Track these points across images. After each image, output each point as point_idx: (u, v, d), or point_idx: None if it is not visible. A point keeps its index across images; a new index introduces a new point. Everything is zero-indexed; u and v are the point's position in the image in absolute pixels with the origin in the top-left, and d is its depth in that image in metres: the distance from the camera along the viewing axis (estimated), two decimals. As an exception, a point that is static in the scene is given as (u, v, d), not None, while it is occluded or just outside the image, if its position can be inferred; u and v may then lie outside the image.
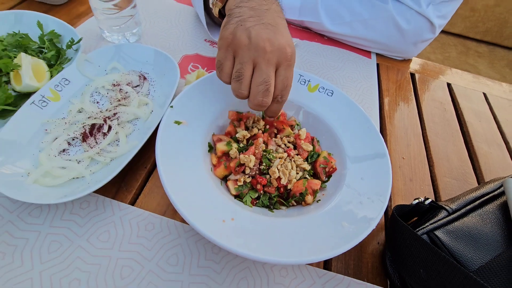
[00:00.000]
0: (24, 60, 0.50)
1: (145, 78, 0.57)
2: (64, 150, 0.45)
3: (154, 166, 0.49)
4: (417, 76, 0.80)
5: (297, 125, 0.53)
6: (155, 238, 0.41)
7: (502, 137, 0.69)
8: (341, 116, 0.51)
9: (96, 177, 0.43)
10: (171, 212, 0.44)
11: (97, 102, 0.52)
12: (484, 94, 0.79)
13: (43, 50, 0.56)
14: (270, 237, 0.36)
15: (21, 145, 0.43)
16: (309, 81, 0.55)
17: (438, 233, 0.41)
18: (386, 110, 0.69)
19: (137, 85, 0.56)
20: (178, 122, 0.44)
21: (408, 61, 0.84)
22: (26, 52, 0.53)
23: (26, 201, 0.37)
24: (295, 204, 0.44)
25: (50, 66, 0.54)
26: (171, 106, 0.45)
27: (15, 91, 0.49)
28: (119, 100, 0.52)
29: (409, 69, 0.82)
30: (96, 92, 0.54)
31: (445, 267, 0.35)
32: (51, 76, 0.52)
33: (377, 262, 0.44)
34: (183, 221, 0.43)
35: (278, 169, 0.43)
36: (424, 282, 0.36)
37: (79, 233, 0.40)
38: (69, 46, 0.55)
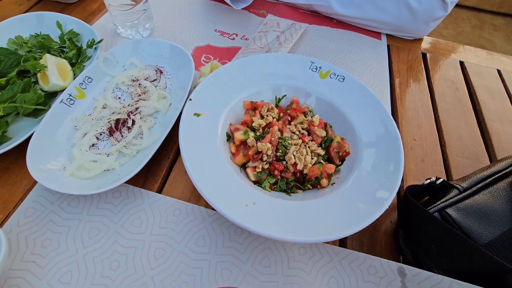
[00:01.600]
0: (49, 60, 0.52)
1: (161, 72, 0.59)
2: (93, 145, 0.49)
3: (176, 157, 0.52)
4: (428, 55, 0.80)
5: (310, 111, 0.55)
6: (182, 222, 0.44)
7: (516, 114, 0.68)
8: (353, 101, 0.53)
9: (125, 169, 0.46)
10: (195, 198, 0.47)
11: (119, 98, 0.55)
12: (498, 71, 0.78)
13: (64, 49, 0.59)
14: (289, 219, 0.39)
15: (55, 142, 0.47)
16: (320, 67, 0.56)
17: (449, 210, 0.43)
18: (397, 92, 0.69)
19: (155, 79, 0.59)
20: (197, 114, 0.46)
21: (419, 40, 0.83)
22: (49, 52, 0.56)
23: (67, 193, 0.41)
24: (311, 187, 0.46)
25: (72, 65, 0.56)
26: (190, 99, 0.47)
27: (43, 91, 0.53)
28: (139, 95, 0.55)
29: (421, 49, 0.81)
30: (117, 88, 0.56)
31: (454, 241, 0.37)
32: (74, 75, 0.55)
33: (390, 239, 0.47)
34: (207, 206, 0.46)
35: (294, 155, 0.45)
36: (436, 256, 0.39)
37: (114, 220, 0.44)
38: (89, 46, 0.58)
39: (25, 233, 0.41)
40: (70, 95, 0.51)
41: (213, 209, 0.44)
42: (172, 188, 0.48)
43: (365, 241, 0.46)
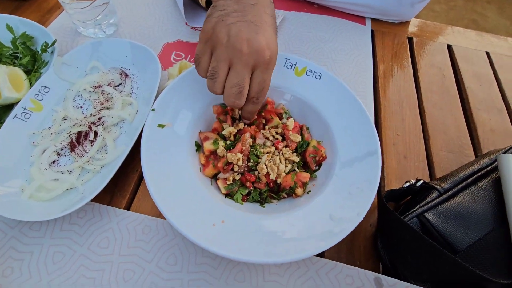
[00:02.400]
0: (0, 70, 0.48)
1: (126, 75, 0.55)
2: (54, 162, 0.46)
3: (145, 168, 0.49)
4: (415, 40, 0.75)
5: (285, 113, 0.51)
6: (153, 240, 0.43)
7: (504, 100, 0.66)
8: (330, 100, 0.49)
9: (89, 186, 0.44)
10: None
11: (81, 107, 0.52)
12: (487, 54, 0.75)
13: (18, 55, 0.54)
14: (261, 237, 0.37)
15: (11, 161, 0.44)
16: (295, 64, 0.52)
17: (428, 215, 0.41)
18: (380, 82, 0.66)
19: (119, 84, 0.55)
20: (161, 126, 0.43)
21: (405, 24, 0.79)
22: (0, 60, 0.51)
23: (26, 220, 0.38)
24: (286, 196, 0.44)
25: (27, 72, 0.52)
26: (153, 109, 0.44)
27: (-4, 105, 0.49)
28: (102, 103, 0.51)
29: (407, 33, 0.77)
30: (79, 96, 0.53)
31: (431, 253, 0.36)
32: (30, 84, 0.51)
33: (369, 244, 0.45)
34: (178, 221, 0.44)
35: (266, 165, 0.43)
36: (413, 268, 0.38)
37: (80, 242, 0.42)
38: (44, 50, 0.53)
39: (-16, 263, 0.39)
40: (25, 108, 0.47)
41: (183, 225, 0.42)
42: (141, 204, 0.46)
43: (343, 247, 0.45)
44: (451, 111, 0.63)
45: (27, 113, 0.47)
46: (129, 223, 0.44)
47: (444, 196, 0.43)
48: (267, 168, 0.43)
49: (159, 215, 0.45)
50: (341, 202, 0.40)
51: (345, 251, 0.44)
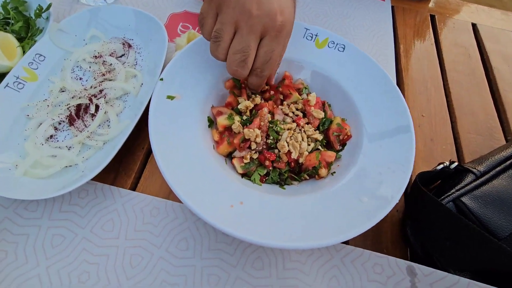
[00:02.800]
0: (-11, 35, 0.43)
1: (130, 46, 0.50)
2: (51, 136, 0.41)
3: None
4: (437, 17, 0.71)
5: (305, 88, 0.47)
6: (162, 223, 0.39)
7: (533, 82, 0.62)
8: (355, 74, 0.45)
9: (91, 164, 0.40)
10: (175, 194, 0.41)
11: (80, 79, 0.47)
12: (514, 34, 0.70)
13: (9, 21, 0.49)
14: (283, 220, 0.33)
15: (3, 135, 0.39)
16: (316, 35, 0.48)
17: (465, 199, 0.37)
18: (403, 61, 0.61)
19: (122, 55, 0.50)
20: (171, 97, 0.39)
21: (426, 0, 0.74)
22: (-11, 25, 0.46)
23: (20, 198, 0.34)
24: (307, 178, 0.40)
25: (20, 40, 0.47)
26: (161, 79, 0.39)
27: (-15, 73, 0.44)
28: (104, 74, 0.46)
29: (429, 10, 0.72)
30: (77, 66, 0.48)
31: (474, 239, 0.32)
32: (24, 52, 0.46)
33: (396, 230, 0.42)
34: (189, 203, 0.40)
35: (287, 142, 0.39)
36: (451, 254, 0.34)
37: (81, 225, 0.38)
38: (38, 15, 0.48)
39: (-25, 245, 0.35)
40: (18, 77, 0.42)
41: (195, 207, 0.38)
42: (148, 184, 0.42)
43: (368, 233, 0.41)
44: (478, 93, 0.59)
45: (20, 83, 0.42)
46: (135, 204, 0.40)
47: (481, 179, 0.39)
48: (288, 145, 0.38)
49: (168, 196, 0.41)
50: (371, 184, 0.36)
51: (371, 238, 0.41)
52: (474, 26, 0.71)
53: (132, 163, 0.43)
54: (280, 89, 0.45)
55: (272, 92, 0.45)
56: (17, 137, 0.40)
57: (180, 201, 0.40)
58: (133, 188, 0.41)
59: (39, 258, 0.35)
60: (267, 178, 0.39)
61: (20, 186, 0.36)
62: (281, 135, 0.39)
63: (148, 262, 0.36)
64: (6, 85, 0.41)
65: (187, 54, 0.42)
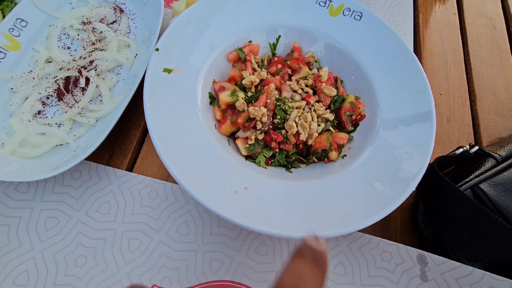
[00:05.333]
0: (-39, -4, 0.38)
1: (122, 11, 0.45)
2: (39, 112, 0.38)
3: (149, 124, 0.42)
4: (462, -17, 0.64)
5: (316, 62, 0.43)
6: (161, 206, 0.37)
7: (561, 58, 0.57)
8: (373, 47, 0.41)
9: (83, 142, 0.37)
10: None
11: (68, 48, 0.42)
12: (545, 3, 0.64)
13: (-15, -21, 0.44)
14: (290, 207, 0.31)
15: (-15, 110, 0.36)
16: (330, 1, 0.42)
17: (484, 186, 0.35)
18: (421, 33, 0.56)
19: (114, 21, 0.45)
20: (168, 70, 0.35)
21: (452, -38, 0.66)
22: (-39, -16, 0.41)
23: (8, 180, 0.32)
24: (316, 161, 0.38)
25: (-2, 2, 0.42)
26: (157, 49, 0.35)
27: (-39, 41, 0.40)
28: (94, 43, 0.42)
29: (453, -26, 0.65)
30: (64, 34, 0.43)
31: (492, 228, 0.30)
32: (3, 17, 0.41)
33: (406, 216, 0.40)
34: (189, 186, 0.38)
35: (295, 122, 0.35)
36: (467, 245, 0.32)
37: (76, 207, 0.36)
38: (15, -28, 0.42)
39: (-36, 228, 0.34)
40: (-2, 45, 0.38)
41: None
42: (145, 164, 0.39)
43: (377, 219, 0.39)
44: (502, 69, 0.54)
45: (1, 51, 0.38)
46: (132, 186, 0.37)
47: (502, 165, 0.37)
48: (297, 126, 0.35)
49: (167, 178, 0.38)
50: (386, 169, 0.34)
51: (379, 224, 0.39)
52: (502, -7, 0.64)
53: (128, 142, 0.40)
54: (289, 62, 0.41)
55: (279, 66, 0.41)
56: (1, 113, 0.37)
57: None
58: (130, 168, 0.39)
59: (33, 241, 0.34)
60: (273, 160, 0.36)
61: (7, 166, 0.34)
62: (289, 115, 0.36)
63: (147, 246, 0.35)
64: (-15, 54, 0.37)
65: (186, 21, 0.38)
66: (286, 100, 0.37)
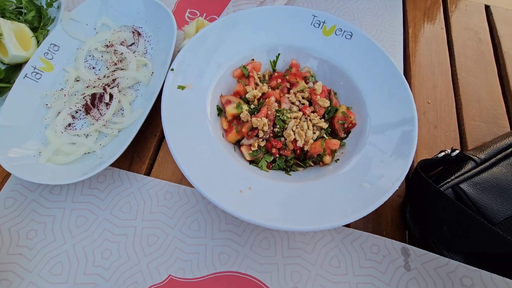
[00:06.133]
0: (4, 26, 0.45)
1: (139, 34, 0.51)
2: (69, 125, 0.44)
3: (164, 133, 0.47)
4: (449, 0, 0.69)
5: (312, 76, 0.48)
6: (175, 206, 0.42)
7: (544, 68, 0.61)
8: (362, 63, 0.45)
9: (107, 151, 0.42)
10: (187, 179, 0.44)
11: (93, 68, 0.48)
12: (529, 16, 0.68)
13: (22, 10, 0.50)
14: (289, 204, 0.35)
15: (25, 122, 0.42)
16: (324, 22, 0.48)
17: (464, 186, 0.39)
18: (411, 47, 0.61)
19: (132, 43, 0.51)
20: (181, 87, 0.40)
21: (440, -20, 0.71)
22: (3, 16, 0.48)
23: (45, 183, 0.37)
24: (312, 164, 0.42)
25: (33, 30, 0.48)
26: (172, 69, 0.40)
27: (3, 64, 0.46)
28: (116, 64, 0.48)
29: (441, -9, 0.70)
30: (90, 56, 0.49)
31: (469, 223, 0.34)
32: (38, 42, 0.48)
33: (396, 214, 0.44)
34: (200, 188, 0.43)
35: (293, 130, 0.40)
36: (446, 238, 0.36)
37: (101, 207, 0.41)
38: (49, 4, 0.49)
39: (7, 224, 0.39)
40: (35, 67, 0.44)
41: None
42: (161, 169, 0.44)
43: (369, 217, 0.44)
44: (486, 78, 0.58)
45: (37, 73, 0.44)
46: (150, 188, 0.42)
47: (481, 166, 0.41)
48: (294, 134, 0.40)
49: (181, 181, 0.43)
50: (373, 171, 0.38)
51: (371, 221, 0.43)
52: (487, 8, 0.69)
53: (145, 149, 0.45)
54: (287, 77, 0.46)
55: (279, 80, 0.46)
56: (38, 125, 0.43)
57: (191, 186, 0.43)
58: (148, 173, 0.44)
59: (66, 236, 0.39)
60: (273, 164, 0.41)
61: (44, 172, 0.39)
62: (288, 124, 0.41)
63: (164, 241, 0.40)
64: (25, 76, 0.43)
65: (196, 44, 0.43)
66: (285, 111, 0.42)
